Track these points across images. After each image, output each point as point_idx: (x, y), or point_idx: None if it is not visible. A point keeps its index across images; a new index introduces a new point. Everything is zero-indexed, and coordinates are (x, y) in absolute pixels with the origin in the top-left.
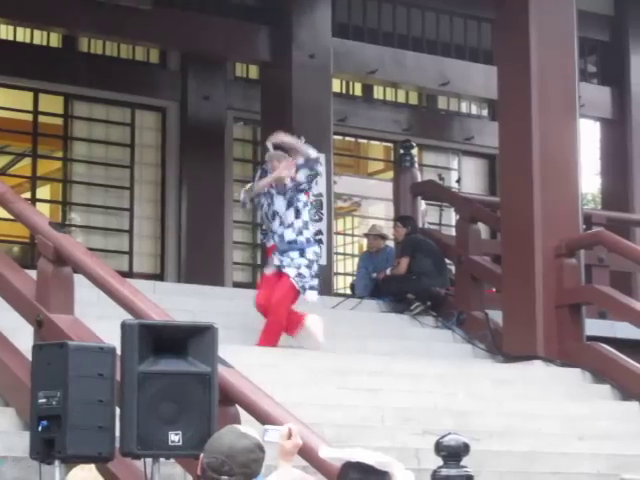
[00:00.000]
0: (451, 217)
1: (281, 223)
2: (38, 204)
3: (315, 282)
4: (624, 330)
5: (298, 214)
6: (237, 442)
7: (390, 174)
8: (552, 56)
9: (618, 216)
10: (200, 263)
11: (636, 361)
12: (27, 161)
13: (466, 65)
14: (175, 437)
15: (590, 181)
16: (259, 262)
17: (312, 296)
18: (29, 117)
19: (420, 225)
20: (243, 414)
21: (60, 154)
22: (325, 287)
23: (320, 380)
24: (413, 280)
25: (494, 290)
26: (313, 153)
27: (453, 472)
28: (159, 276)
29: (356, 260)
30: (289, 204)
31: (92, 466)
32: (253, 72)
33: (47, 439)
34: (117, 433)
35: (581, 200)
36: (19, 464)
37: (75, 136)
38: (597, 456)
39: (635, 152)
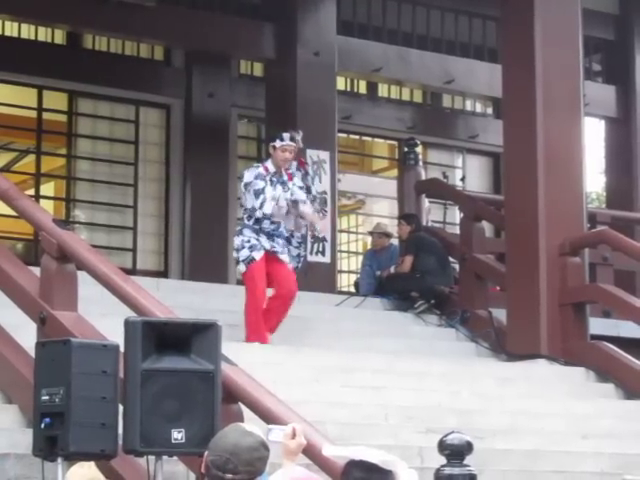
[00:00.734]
0: (455, 215)
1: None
2: (42, 201)
3: None
4: (628, 329)
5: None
6: (241, 440)
7: (394, 172)
8: (557, 54)
9: (622, 215)
10: (204, 260)
11: None
12: (31, 158)
13: (471, 63)
14: (178, 435)
15: (594, 180)
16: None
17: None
18: (33, 114)
19: (424, 223)
20: (246, 412)
21: (64, 151)
22: (329, 285)
23: (323, 378)
24: (417, 278)
25: (498, 288)
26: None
27: (456, 471)
28: (163, 273)
29: (360, 258)
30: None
31: (92, 463)
32: (258, 70)
33: (50, 436)
34: (120, 430)
35: (585, 199)
36: (22, 461)
37: (79, 133)
38: (601, 455)
39: None
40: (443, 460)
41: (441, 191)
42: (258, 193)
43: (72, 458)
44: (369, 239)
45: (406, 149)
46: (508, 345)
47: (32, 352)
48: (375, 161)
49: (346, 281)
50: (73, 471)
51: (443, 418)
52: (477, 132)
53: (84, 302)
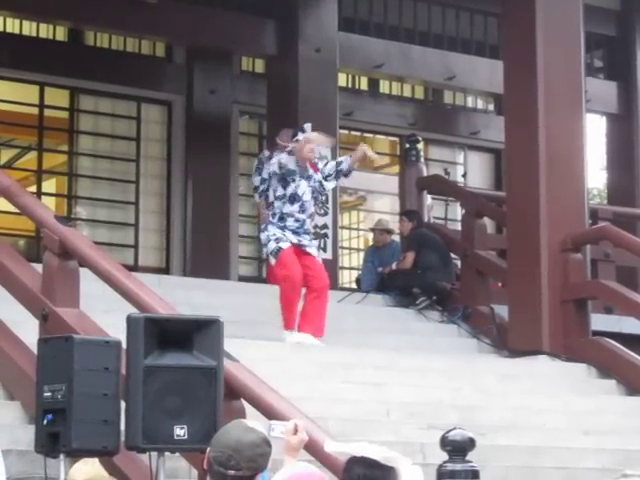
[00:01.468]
0: (457, 212)
1: (303, 210)
2: (44, 197)
3: None
4: (630, 325)
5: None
6: (244, 436)
7: (396, 168)
8: (558, 51)
9: (624, 211)
10: (205, 257)
11: None
12: (33, 154)
13: (472, 59)
14: (180, 431)
15: (596, 176)
16: (264, 256)
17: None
18: (35, 110)
19: (426, 220)
20: (248, 408)
21: (66, 147)
22: (330, 281)
23: (325, 374)
24: (419, 275)
25: (499, 285)
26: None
27: (458, 467)
28: (164, 270)
29: (361, 254)
30: (312, 193)
31: (95, 460)
32: (259, 66)
33: (52, 433)
34: (122, 427)
35: (587, 195)
36: (24, 457)
37: (81, 129)
38: (602, 451)
39: None
40: (445, 456)
41: (442, 187)
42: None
43: (74, 455)
44: (371, 235)
45: (407, 145)
46: (510, 341)
47: (34, 348)
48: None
49: (348, 277)
50: (77, 468)
51: (445, 414)
52: (478, 128)
53: (86, 298)
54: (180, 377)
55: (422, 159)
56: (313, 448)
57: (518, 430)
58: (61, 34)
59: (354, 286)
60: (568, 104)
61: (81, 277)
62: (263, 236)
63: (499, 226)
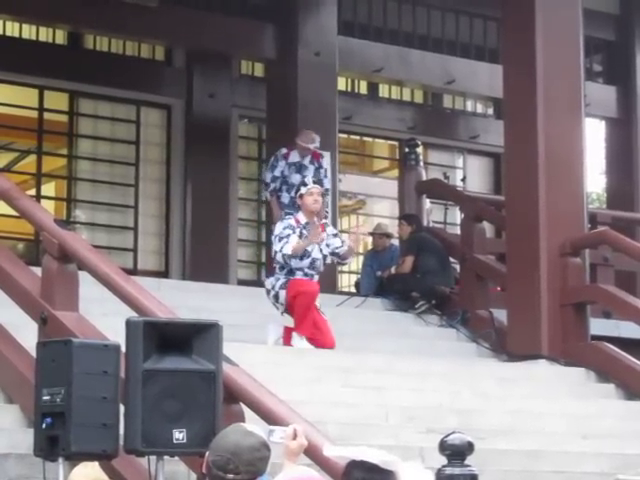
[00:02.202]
0: (456, 216)
1: (313, 267)
2: (43, 201)
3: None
4: (628, 329)
5: None
6: (243, 440)
7: (395, 172)
8: (558, 55)
9: (623, 215)
10: (205, 260)
11: None
12: (32, 158)
13: (472, 64)
14: (179, 435)
15: (595, 180)
16: (264, 260)
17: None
18: (34, 114)
19: (425, 223)
20: (247, 412)
21: (65, 151)
22: (329, 285)
23: (324, 378)
24: (418, 279)
25: (498, 289)
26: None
27: (457, 471)
28: (164, 273)
29: (360, 258)
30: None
31: (95, 463)
32: (258, 70)
33: (51, 436)
34: (121, 430)
35: (586, 199)
36: (23, 461)
37: (80, 133)
38: (601, 455)
39: None
40: (444, 460)
41: (442, 191)
42: (282, 238)
43: (73, 458)
44: (370, 239)
45: (407, 149)
46: (509, 345)
47: (33, 352)
48: (376, 161)
49: (347, 281)
50: (76, 471)
51: (444, 418)
52: (478, 132)
53: (85, 302)
54: (179, 381)
55: (421, 163)
56: (312, 452)
57: (517, 434)
58: (61, 37)
59: (353, 290)
60: (567, 108)
61: (80, 281)
62: (268, 283)
63: (498, 230)
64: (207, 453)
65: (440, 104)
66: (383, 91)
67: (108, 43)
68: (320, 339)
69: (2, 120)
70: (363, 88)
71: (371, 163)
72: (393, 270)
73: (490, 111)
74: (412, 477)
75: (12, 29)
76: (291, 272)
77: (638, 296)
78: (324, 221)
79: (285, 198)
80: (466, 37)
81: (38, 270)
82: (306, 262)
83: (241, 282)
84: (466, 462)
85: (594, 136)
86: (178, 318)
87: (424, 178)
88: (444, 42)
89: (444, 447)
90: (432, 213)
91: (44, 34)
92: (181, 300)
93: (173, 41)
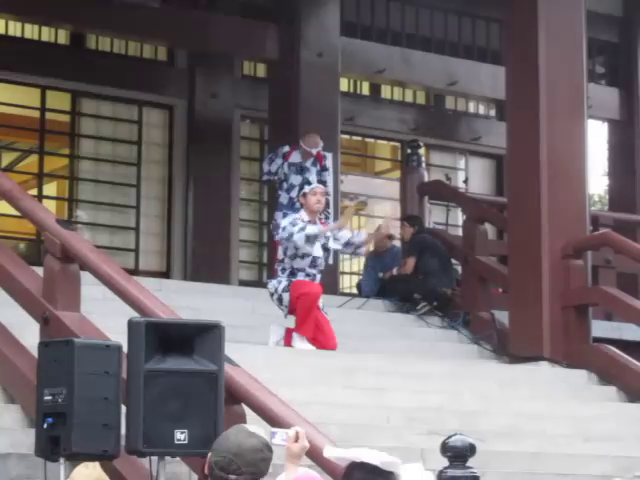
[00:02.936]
0: (458, 217)
1: (314, 265)
2: (45, 201)
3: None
4: (630, 332)
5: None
6: (245, 441)
7: (397, 173)
8: (560, 57)
9: (625, 217)
10: (206, 261)
11: None
12: (34, 158)
13: (474, 65)
14: (181, 435)
15: (597, 182)
16: (265, 260)
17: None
18: (36, 114)
19: (427, 225)
20: (249, 413)
21: (67, 151)
22: (331, 286)
23: (326, 379)
24: (419, 280)
25: (500, 290)
26: None
27: (459, 473)
28: (165, 274)
29: (362, 259)
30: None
31: (96, 464)
32: (261, 70)
33: (52, 436)
34: (123, 431)
35: (588, 201)
36: (24, 461)
37: (82, 133)
38: (603, 457)
39: None
40: (445, 462)
41: (444, 193)
42: (294, 225)
43: (74, 458)
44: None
45: (409, 151)
46: (510, 347)
47: (35, 352)
48: (378, 162)
49: (348, 282)
50: (78, 471)
51: (445, 420)
52: (480, 134)
53: (87, 302)
54: (181, 381)
55: (423, 164)
56: (313, 453)
57: (518, 436)
58: (63, 37)
59: (355, 291)
60: (570, 110)
61: (82, 281)
62: (270, 286)
63: (500, 232)
64: (209, 454)
65: (442, 105)
66: (385, 92)
67: (110, 43)
68: (322, 340)
69: (4, 120)
70: (365, 89)
71: (373, 164)
72: (395, 271)
73: (492, 112)
74: (413, 479)
75: (14, 29)
76: (293, 274)
77: None
78: (325, 221)
79: (284, 198)
80: (469, 38)
81: (40, 270)
82: (307, 261)
83: (243, 283)
84: (468, 464)
85: (596, 138)
86: (180, 318)
87: (426, 179)
88: (447, 43)
89: (446, 449)
90: (431, 214)
91: (46, 34)
92: (183, 300)
93: (175, 41)
